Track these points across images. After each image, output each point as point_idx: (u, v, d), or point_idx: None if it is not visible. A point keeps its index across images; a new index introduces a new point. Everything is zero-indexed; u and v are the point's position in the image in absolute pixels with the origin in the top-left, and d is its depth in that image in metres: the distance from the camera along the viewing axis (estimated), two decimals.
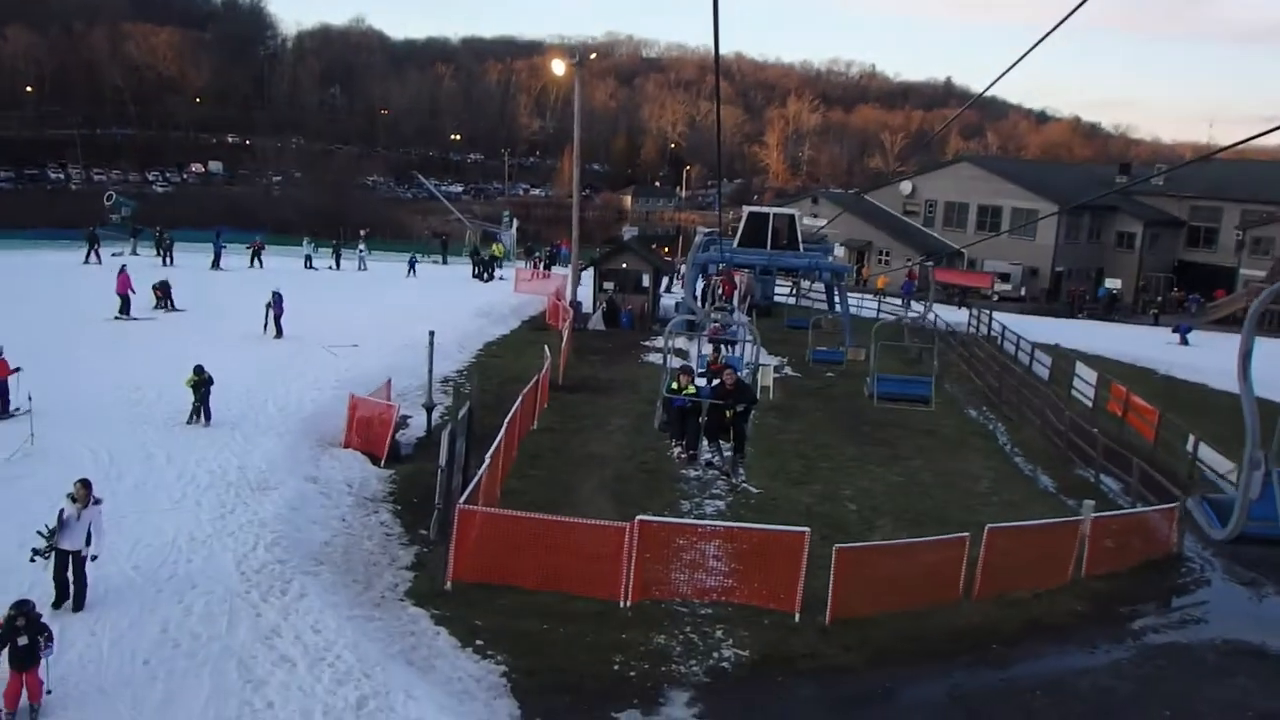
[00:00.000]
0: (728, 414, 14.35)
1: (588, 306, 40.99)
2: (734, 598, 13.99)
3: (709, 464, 15.05)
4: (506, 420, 18.45)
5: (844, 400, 28.06)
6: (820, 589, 13.95)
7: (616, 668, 12.49)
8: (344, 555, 14.74)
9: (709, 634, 13.47)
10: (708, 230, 64.90)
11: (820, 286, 48.38)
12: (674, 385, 14.79)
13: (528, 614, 13.38)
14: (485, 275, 51.28)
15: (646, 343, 35.62)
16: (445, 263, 60.11)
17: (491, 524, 14.07)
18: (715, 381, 14.99)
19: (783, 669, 12.84)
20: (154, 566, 13.40)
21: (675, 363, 16.09)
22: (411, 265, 50.60)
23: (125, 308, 31.84)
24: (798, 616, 13.76)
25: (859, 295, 50.11)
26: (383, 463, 19.41)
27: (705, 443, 14.82)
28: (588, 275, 44.38)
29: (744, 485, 14.85)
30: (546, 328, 37.49)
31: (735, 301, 39.59)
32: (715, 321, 22.38)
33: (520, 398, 20.53)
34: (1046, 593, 15.20)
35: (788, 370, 32.66)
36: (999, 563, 14.91)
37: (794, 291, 54.89)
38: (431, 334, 20.93)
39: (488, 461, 15.81)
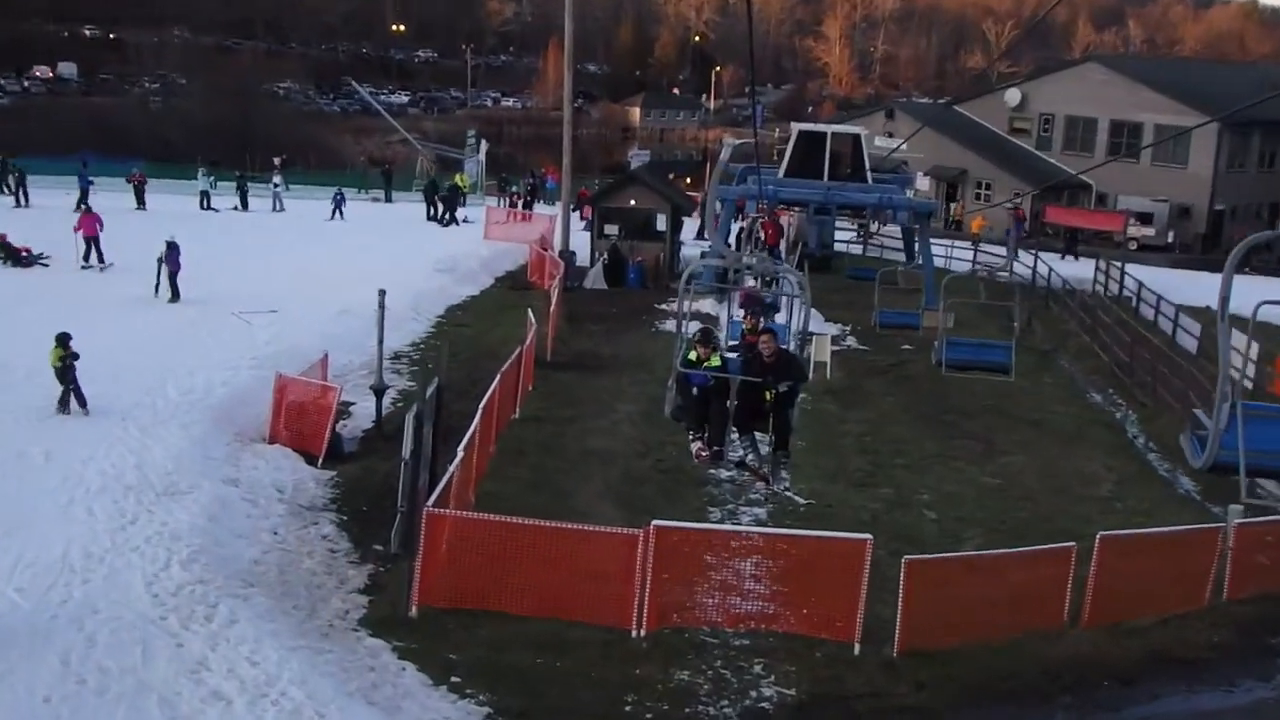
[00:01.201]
0: (766, 396, 14.61)
1: (583, 259, 42.51)
2: (777, 625, 15.02)
3: (740, 465, 15.40)
4: (481, 406, 19.53)
5: (922, 380, 29.42)
6: (887, 614, 14.99)
7: (629, 709, 13.51)
8: (279, 576, 15.85)
9: (745, 669, 14.52)
10: (740, 140, 65.84)
11: (896, 230, 49.51)
12: (690, 356, 14.96)
13: (516, 645, 14.45)
14: (444, 217, 52.75)
15: (662, 305, 37.14)
16: (390, 200, 61.54)
17: (469, 533, 15.06)
18: (750, 353, 15.40)
19: (837, 711, 13.80)
20: (42, 589, 14.40)
21: (692, 326, 16.48)
22: (336, 206, 51.84)
23: None
24: (858, 648, 14.80)
25: (947, 243, 51.35)
26: (321, 462, 20.60)
27: (736, 436, 15.17)
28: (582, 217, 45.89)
29: (787, 493, 15.69)
30: (529, 287, 39.06)
31: (782, 251, 40.77)
32: (751, 272, 23.36)
33: (497, 378, 21.62)
34: (1175, 619, 16.15)
35: (850, 341, 34.16)
36: (1115, 581, 15.91)
37: (860, 237, 56.15)
38: (382, 294, 22.02)
39: (460, 455, 16.89)
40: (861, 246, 54.81)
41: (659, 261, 41.75)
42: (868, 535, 15.17)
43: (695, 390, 14.87)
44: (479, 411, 19.26)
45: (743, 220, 42.41)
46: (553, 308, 31.16)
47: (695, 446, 14.95)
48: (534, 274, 40.25)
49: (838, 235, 52.18)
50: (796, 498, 15.89)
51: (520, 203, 60.21)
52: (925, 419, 26.41)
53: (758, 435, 15.32)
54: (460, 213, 53.52)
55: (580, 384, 27.18)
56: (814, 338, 27.02)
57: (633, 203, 42.37)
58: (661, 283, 40.54)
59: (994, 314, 33.16)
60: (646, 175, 48.08)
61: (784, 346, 15.80)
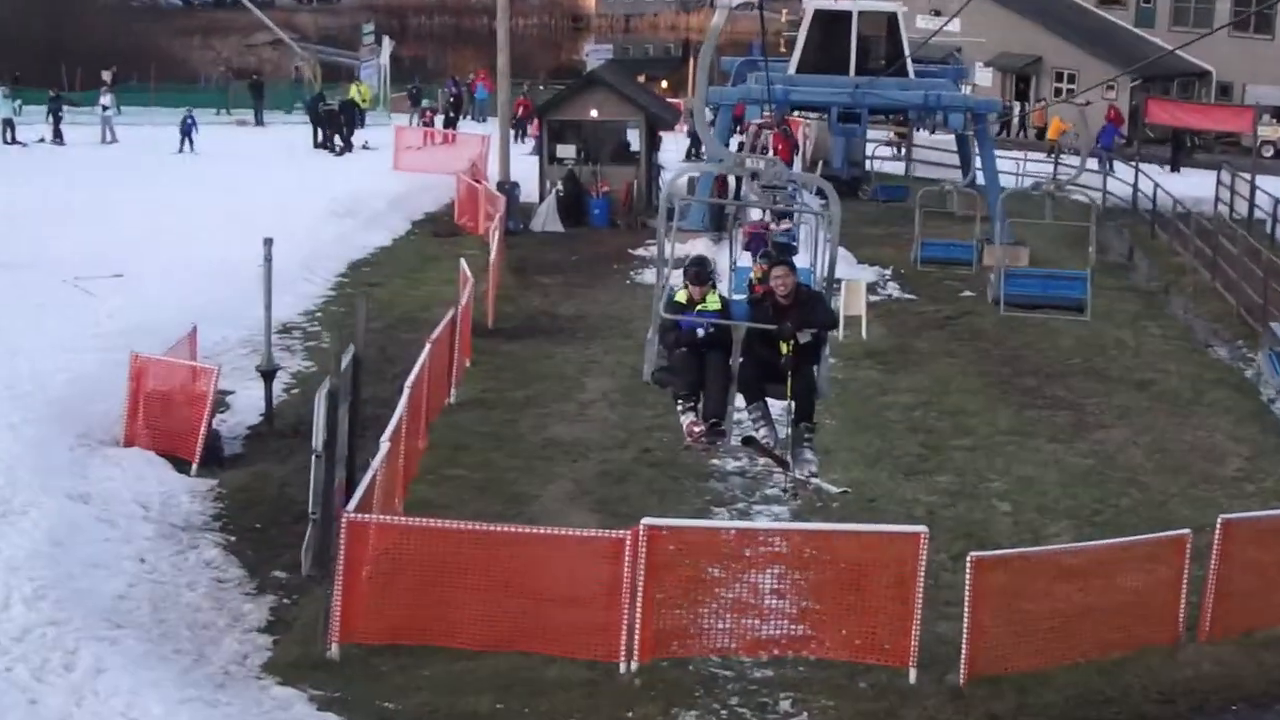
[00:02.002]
0: (783, 349, 14.93)
1: (530, 192, 43.06)
2: (809, 649, 15.56)
3: (748, 443, 15.71)
4: (406, 387, 19.95)
5: (990, 335, 30.36)
6: (950, 631, 15.63)
7: None
8: (154, 614, 16.30)
9: (769, 706, 15.05)
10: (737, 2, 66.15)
11: (948, 138, 50.19)
12: (679, 298, 15.35)
13: (471, 689, 14.93)
14: (337, 142, 53.18)
15: (639, 250, 38.10)
16: (261, 122, 62.02)
17: (403, 546, 15.50)
18: (760, 294, 15.75)
19: None
20: None
21: (678, 274, 16.12)
22: (185, 133, 52.12)
23: None
24: (913, 675, 15.29)
25: (1018, 155, 52.05)
26: (195, 468, 21.13)
27: (743, 406, 15.55)
28: (528, 137, 46.08)
29: (815, 481, 15.88)
30: (458, 231, 40.06)
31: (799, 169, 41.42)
32: (759, 183, 23.79)
33: (425, 352, 21.99)
34: None
35: (892, 289, 35.28)
36: (1244, 580, 16.47)
37: (899, 152, 56.85)
38: (268, 245, 22.44)
39: (385, 447, 17.41)
40: (904, 164, 55.59)
41: (631, 192, 42.55)
42: (922, 528, 15.73)
43: (685, 344, 15.09)
44: (404, 394, 19.65)
45: (742, 133, 42.52)
46: (493, 258, 31.85)
47: (687, 421, 15.17)
48: (464, 214, 41.12)
49: (871, 150, 52.93)
50: (829, 487, 16.07)
51: (440, 120, 60.71)
52: (995, 385, 27.23)
53: (772, 403, 15.68)
54: (359, 136, 54.20)
55: (535, 356, 27.94)
56: (843, 284, 27.55)
57: (594, 114, 42.98)
58: (636, 219, 41.57)
59: (1078, 243, 33.76)
60: (610, 77, 48.09)
61: (806, 284, 16.05)
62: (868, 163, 51.73)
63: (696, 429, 15.00)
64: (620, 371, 26.54)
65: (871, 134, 52.69)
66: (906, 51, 42.19)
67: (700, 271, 15.35)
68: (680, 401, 15.27)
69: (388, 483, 17.60)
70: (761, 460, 17.67)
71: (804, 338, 14.91)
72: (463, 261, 29.04)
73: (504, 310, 30.82)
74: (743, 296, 17.65)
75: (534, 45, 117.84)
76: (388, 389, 22.24)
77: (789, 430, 15.54)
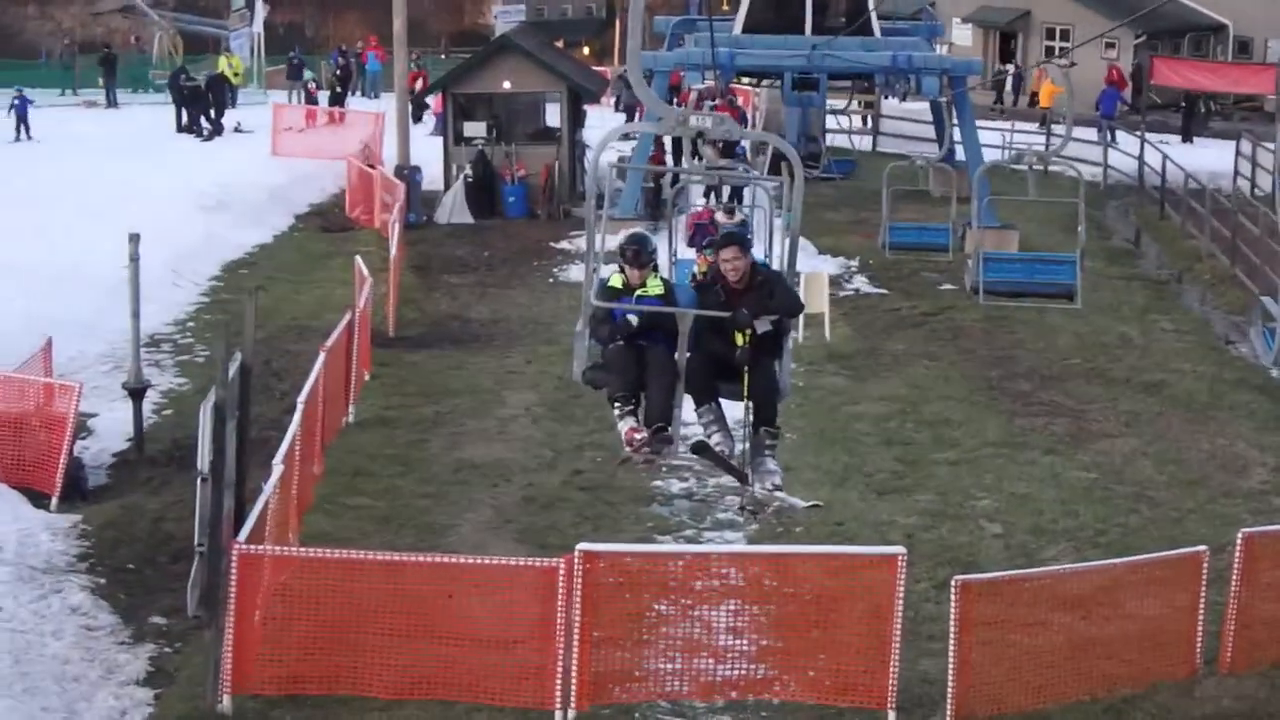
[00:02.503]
0: (739, 341, 14.89)
1: (434, 179, 43.52)
2: (772, 692, 15.74)
3: (700, 450, 15.38)
4: (299, 405, 20.07)
5: (974, 333, 30.92)
6: (935, 670, 15.88)
7: None
8: (15, 666, 16.34)
9: None
10: None
11: (922, 107, 50.62)
12: (613, 283, 15.44)
13: None
14: (204, 125, 53.16)
15: (562, 243, 38.67)
16: (114, 103, 61.91)
17: (303, 580, 15.64)
18: (706, 276, 16.29)
19: None
20: None
21: (606, 270, 16.03)
22: (19, 118, 51.78)
23: None
24: (892, 717, 15.52)
25: (1004, 126, 52.59)
26: (55, 502, 21.22)
27: (691, 407, 15.52)
28: (429, 115, 46.09)
29: (779, 495, 15.79)
30: (350, 226, 40.50)
31: (745, 151, 41.64)
32: (706, 144, 23.56)
33: (318, 365, 21.89)
34: None
35: (859, 282, 35.92)
36: (1269, 606, 16.70)
37: (865, 123, 57.23)
38: (134, 242, 22.41)
39: (278, 470, 17.53)
40: (870, 138, 55.99)
41: (552, 176, 42.76)
42: (900, 549, 15.80)
43: (623, 336, 15.11)
44: (297, 412, 19.74)
45: (680, 105, 42.52)
46: (392, 255, 32.02)
47: (626, 427, 15.10)
48: (356, 206, 41.55)
49: (831, 122, 53.41)
50: (796, 501, 15.96)
51: (325, 96, 60.74)
52: (982, 390, 27.64)
53: (725, 405, 15.57)
54: (230, 117, 54.19)
55: (445, 367, 28.30)
56: (802, 278, 26.86)
57: (507, 85, 43.23)
58: (559, 208, 42.02)
59: (1074, 225, 33.94)
60: (525, 43, 47.92)
61: (763, 264, 16.27)
62: (827, 137, 51.92)
63: (638, 436, 14.97)
64: (544, 382, 26.95)
65: (832, 103, 53.22)
66: (871, 6, 42.40)
67: (639, 251, 15.31)
68: (617, 405, 15.25)
69: (281, 512, 17.64)
70: (713, 479, 18.67)
71: (762, 326, 14.92)
72: (358, 260, 29.14)
73: (407, 316, 31.17)
74: (699, 278, 17.92)
75: (432, 7, 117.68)
76: (275, 408, 22.73)
77: (746, 438, 15.35)
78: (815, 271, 31.90)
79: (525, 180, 42.48)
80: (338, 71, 64.01)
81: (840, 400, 26.87)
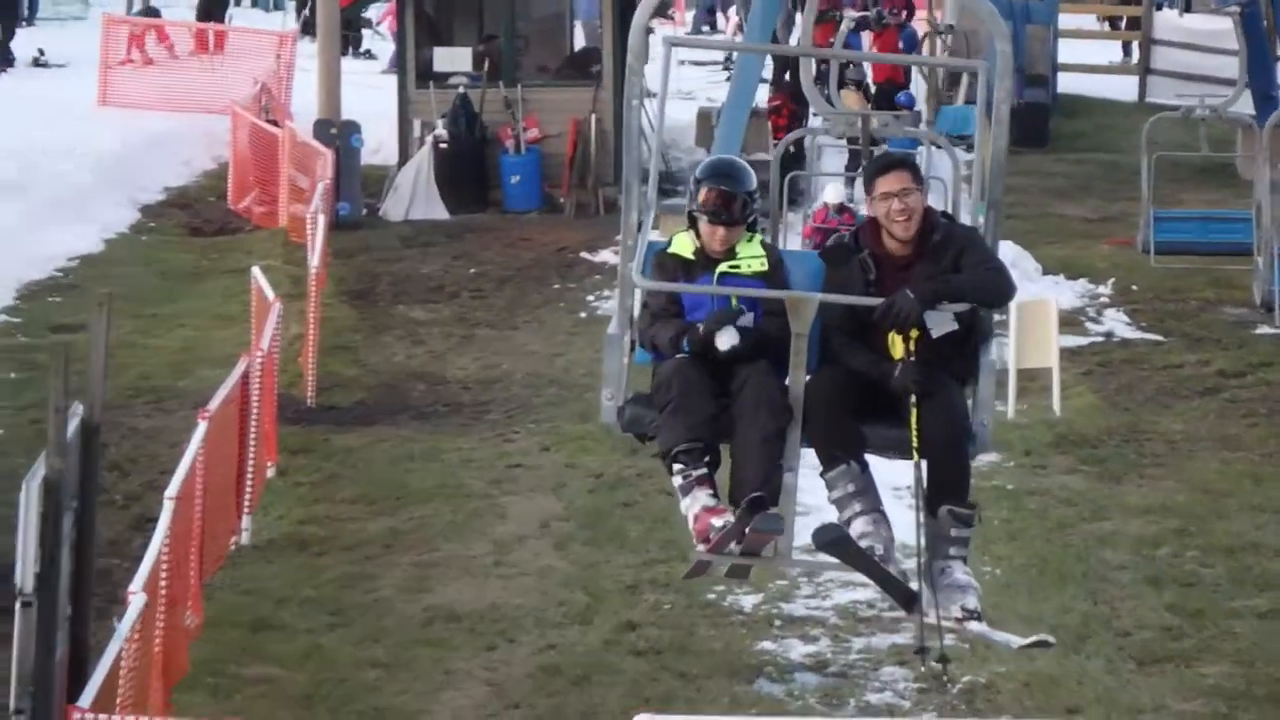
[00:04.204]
0: (898, 349, 11.09)
1: (381, 146, 35.16)
2: None
3: (832, 545, 11.41)
4: (163, 515, 15.36)
5: None
6: None
7: None
8: None
9: None
10: None
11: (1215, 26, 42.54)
12: (677, 249, 11.53)
13: None
14: None
15: (598, 254, 31.42)
16: None
17: None
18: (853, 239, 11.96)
19: None
20: None
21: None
22: None
23: None
24: None
25: None
26: None
27: (816, 469, 11.65)
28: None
29: (977, 627, 11.78)
30: (235, 224, 32.94)
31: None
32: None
33: (190, 452, 16.94)
34: None
35: (1111, 319, 28.94)
36: None
37: (1127, 51, 48.78)
38: None
39: (137, 605, 13.54)
40: (1136, 80, 46.16)
41: (584, 139, 33.66)
42: None
43: (693, 344, 11.00)
44: (158, 529, 15.00)
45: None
46: (312, 273, 25.02)
47: (696, 506, 11.07)
48: (247, 191, 33.27)
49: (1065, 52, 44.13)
50: (1010, 639, 11.97)
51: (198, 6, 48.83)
52: None
53: (877, 467, 11.57)
54: (25, 40, 45.86)
55: (402, 455, 22.21)
56: (1015, 311, 22.37)
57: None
58: (597, 192, 33.55)
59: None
60: None
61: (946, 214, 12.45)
62: (1056, 77, 43.02)
63: (716, 521, 10.87)
64: (574, 482, 20.95)
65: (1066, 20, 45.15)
66: None
67: (726, 195, 11.09)
68: (679, 467, 11.05)
69: (140, 675, 13.81)
70: (860, 634, 15.59)
71: (942, 324, 11.09)
72: (256, 279, 22.77)
73: (339, 373, 24.66)
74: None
75: None
76: (116, 523, 18.10)
77: (920, 524, 11.17)
78: (1037, 301, 25.12)
79: (538, 147, 33.70)
80: None
81: (1077, 513, 20.71)
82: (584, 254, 31.78)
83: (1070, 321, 26.75)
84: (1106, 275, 29.87)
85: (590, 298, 29.50)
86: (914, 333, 10.91)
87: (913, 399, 10.89)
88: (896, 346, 10.87)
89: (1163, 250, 27.55)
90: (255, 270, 22.96)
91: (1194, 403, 24.63)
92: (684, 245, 11.32)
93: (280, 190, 31.12)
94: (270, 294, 21.35)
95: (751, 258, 11.29)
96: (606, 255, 30.75)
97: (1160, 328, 27.89)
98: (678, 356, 11.14)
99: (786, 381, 10.97)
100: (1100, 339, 27.42)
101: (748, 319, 11.00)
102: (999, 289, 11.40)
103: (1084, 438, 22.82)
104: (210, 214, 33.23)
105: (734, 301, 11.01)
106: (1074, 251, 31.14)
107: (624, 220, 11.53)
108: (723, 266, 11.17)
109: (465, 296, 29.33)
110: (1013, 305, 20.93)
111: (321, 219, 26.13)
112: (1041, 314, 23.80)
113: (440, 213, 33.08)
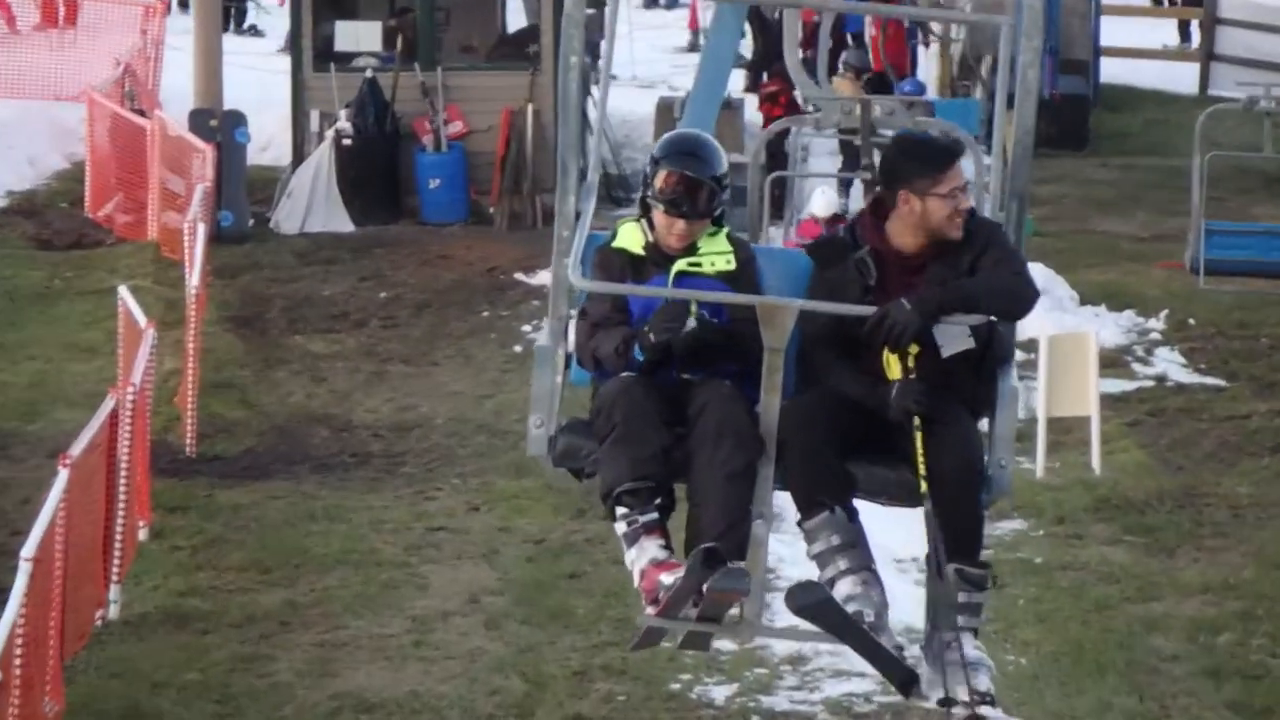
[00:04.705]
0: (895, 369, 9.91)
1: (271, 143, 33.69)
2: None
3: (811, 609, 10.09)
4: (18, 583, 14.27)
5: None
6: None
7: None
8: None
9: None
10: None
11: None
12: (622, 243, 10.60)
13: None
14: None
15: (534, 276, 29.39)
16: None
17: None
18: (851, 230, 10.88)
19: None
20: None
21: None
22: None
23: None
24: None
25: None
26: None
27: (794, 516, 10.43)
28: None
29: (990, 713, 10.35)
30: (93, 237, 30.67)
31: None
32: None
33: (51, 500, 15.86)
34: None
35: (1162, 358, 27.18)
36: None
37: (1184, 33, 45.98)
38: None
39: None
40: (1196, 67, 43.50)
41: (517, 135, 31.73)
42: None
43: (645, 355, 9.98)
44: (12, 598, 14.28)
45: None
46: (190, 294, 23.38)
47: (643, 560, 9.99)
48: (108, 196, 31.37)
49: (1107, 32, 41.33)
50: None
51: None
52: None
53: (866, 514, 10.33)
54: None
55: (301, 515, 20.64)
56: (1044, 344, 21.32)
57: None
58: (533, 199, 31.70)
59: None
60: None
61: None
62: (1100, 62, 40.68)
63: (666, 578, 9.70)
64: (508, 548, 19.51)
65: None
66: None
67: (691, 180, 9.96)
68: (623, 510, 9.94)
69: None
70: (860, 689, 14.94)
71: (954, 341, 9.80)
72: (123, 301, 21.38)
73: (223, 415, 23.10)
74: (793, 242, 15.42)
75: None
76: None
77: (931, 583, 9.96)
78: (1073, 335, 23.26)
79: (464, 144, 31.72)
80: None
81: (1120, 591, 19.23)
82: (518, 275, 30.43)
83: (1113, 362, 25.09)
84: (1158, 306, 27.94)
85: (526, 328, 28.15)
86: (914, 349, 9.64)
87: (916, 422, 9.55)
88: (893, 367, 9.63)
89: (1214, 270, 25.58)
90: (123, 291, 21.58)
91: (1263, 460, 22.72)
92: (632, 238, 10.20)
93: (149, 195, 29.68)
94: (142, 320, 19.92)
95: (716, 254, 10.19)
96: (545, 277, 28.12)
97: (1223, 370, 26.22)
98: (623, 375, 9.98)
99: (757, 408, 9.67)
100: (1150, 383, 25.83)
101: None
102: (1018, 294, 9.98)
103: (1129, 502, 21.45)
104: (62, 224, 31.46)
105: (694, 307, 9.62)
106: (1119, 276, 29.46)
107: (558, 206, 10.36)
108: (680, 265, 10.03)
109: (375, 325, 28.16)
110: (1043, 340, 20.56)
111: (200, 230, 24.96)
112: (1078, 351, 22.10)
113: (344, 224, 31.51)
